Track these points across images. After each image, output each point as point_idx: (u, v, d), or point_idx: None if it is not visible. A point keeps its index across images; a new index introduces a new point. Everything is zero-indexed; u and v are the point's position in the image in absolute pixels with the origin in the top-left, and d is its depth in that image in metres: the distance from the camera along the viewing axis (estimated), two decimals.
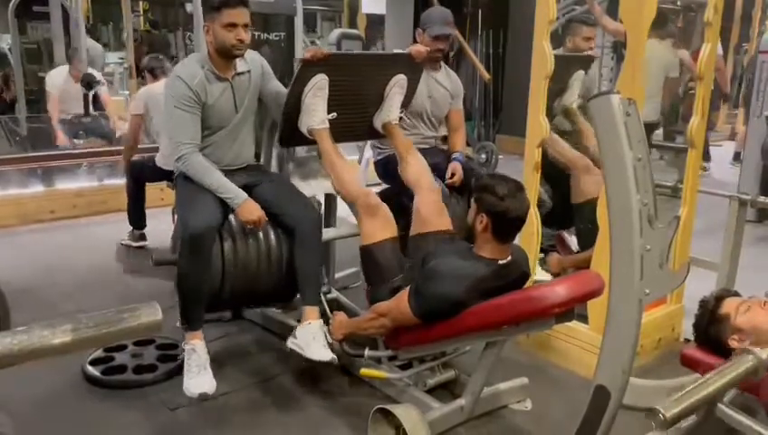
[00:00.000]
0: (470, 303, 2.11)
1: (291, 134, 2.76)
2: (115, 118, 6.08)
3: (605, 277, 1.69)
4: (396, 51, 3.21)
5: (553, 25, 2.83)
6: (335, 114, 2.71)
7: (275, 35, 4.67)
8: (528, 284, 2.37)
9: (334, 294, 3.24)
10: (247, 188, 2.59)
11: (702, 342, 1.99)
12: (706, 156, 6.47)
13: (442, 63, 3.29)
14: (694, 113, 2.84)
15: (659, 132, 6.21)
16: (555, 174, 3.38)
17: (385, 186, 3.22)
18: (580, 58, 3.61)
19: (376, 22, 8.26)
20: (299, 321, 2.78)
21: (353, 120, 2.88)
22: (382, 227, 2.54)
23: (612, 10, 4.47)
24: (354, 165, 4.38)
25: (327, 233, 2.90)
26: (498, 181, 2.17)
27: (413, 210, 2.63)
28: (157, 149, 4.24)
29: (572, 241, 3.62)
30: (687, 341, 2.75)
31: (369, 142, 3.69)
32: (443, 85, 3.27)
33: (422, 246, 2.51)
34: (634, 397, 1.89)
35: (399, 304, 2.27)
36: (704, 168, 6.07)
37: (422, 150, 3.10)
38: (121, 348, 2.82)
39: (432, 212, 2.59)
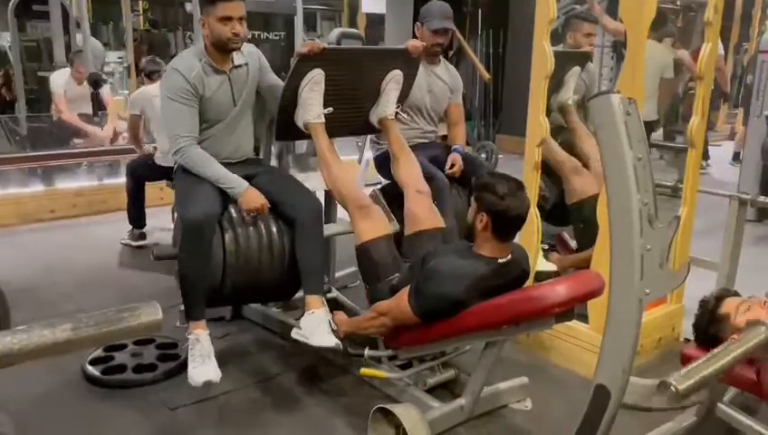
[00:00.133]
0: (470, 302, 2.11)
1: (287, 128, 2.76)
2: (114, 117, 6.09)
3: (605, 277, 1.69)
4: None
5: (553, 24, 2.83)
6: (331, 109, 2.70)
7: (275, 35, 4.67)
8: (529, 279, 2.37)
9: (334, 293, 3.24)
10: (246, 179, 2.59)
11: (702, 341, 1.99)
12: (705, 155, 6.47)
13: (441, 58, 3.29)
14: (694, 113, 2.84)
15: (659, 133, 6.21)
16: (553, 174, 3.39)
17: (385, 182, 3.22)
18: (576, 54, 3.60)
19: (376, 21, 8.25)
20: (299, 320, 2.78)
21: (349, 115, 2.88)
22: (375, 226, 2.54)
23: (612, 9, 4.48)
24: (353, 165, 4.37)
25: (328, 229, 2.89)
26: (498, 180, 2.16)
27: (405, 210, 2.64)
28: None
29: (572, 240, 3.62)
30: (687, 340, 2.75)
31: (368, 142, 3.69)
32: (442, 79, 3.27)
33: (416, 245, 2.52)
34: (634, 396, 1.89)
35: (399, 303, 2.27)
36: (701, 166, 6.07)
37: (421, 145, 3.10)
38: (121, 347, 2.82)
39: (422, 211, 2.61)
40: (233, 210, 2.58)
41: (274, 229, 2.61)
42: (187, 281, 2.47)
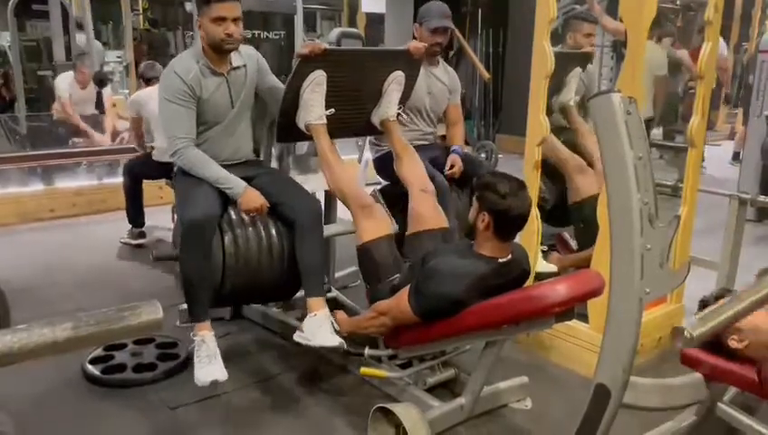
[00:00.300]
0: (470, 301, 2.11)
1: (288, 129, 2.76)
2: (114, 116, 6.12)
3: (605, 276, 1.69)
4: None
5: (554, 24, 2.83)
6: (333, 110, 2.70)
7: (275, 34, 4.68)
8: (529, 280, 2.37)
9: (334, 293, 3.24)
10: (246, 181, 2.58)
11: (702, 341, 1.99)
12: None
13: (439, 59, 3.29)
14: (694, 112, 2.84)
15: (658, 131, 6.21)
16: (556, 171, 3.38)
17: (384, 183, 3.22)
18: (578, 55, 3.60)
19: (376, 21, 8.25)
20: (299, 319, 2.78)
21: (351, 116, 2.88)
22: (377, 226, 2.54)
23: (612, 9, 4.48)
24: (353, 164, 4.37)
25: (328, 229, 2.89)
26: (500, 179, 2.16)
27: (409, 209, 2.63)
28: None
29: (573, 240, 3.63)
30: None
31: (368, 142, 3.69)
32: (441, 81, 3.26)
33: (418, 245, 2.52)
34: (634, 396, 1.89)
35: (400, 303, 2.26)
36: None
37: (421, 146, 3.10)
38: (121, 347, 2.82)
39: (426, 211, 2.60)
40: (232, 212, 2.58)
41: (273, 231, 2.61)
42: (189, 282, 2.47)
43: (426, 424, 2.16)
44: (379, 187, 3.10)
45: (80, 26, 6.93)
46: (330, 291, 3.20)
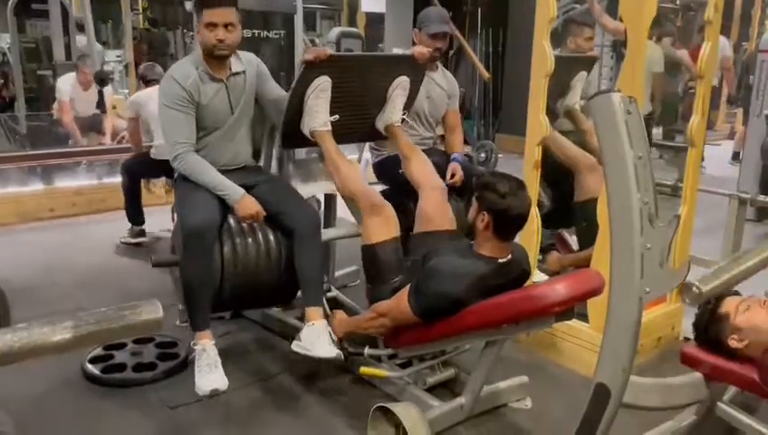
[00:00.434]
0: (470, 301, 2.11)
1: (293, 136, 2.75)
2: (114, 115, 6.12)
3: (605, 276, 1.69)
4: (397, 51, 3.20)
5: (553, 24, 2.83)
6: (337, 116, 2.70)
7: (275, 33, 4.68)
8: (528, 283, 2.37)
9: (334, 292, 3.24)
10: (246, 189, 2.59)
11: (702, 341, 1.99)
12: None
13: (438, 64, 3.29)
14: (694, 112, 2.84)
15: (659, 131, 6.21)
16: (554, 175, 3.37)
17: (383, 187, 3.22)
18: (583, 59, 3.60)
19: (375, 20, 8.24)
20: (299, 319, 2.79)
21: (355, 122, 2.87)
22: (386, 227, 2.53)
23: (612, 9, 4.48)
24: (355, 164, 4.38)
25: (327, 233, 2.90)
26: (499, 179, 2.16)
27: (417, 208, 2.63)
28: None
29: (572, 240, 3.62)
30: (687, 339, 2.75)
31: (367, 145, 3.69)
32: (440, 86, 3.26)
33: (424, 244, 2.50)
34: (634, 395, 1.89)
35: (399, 303, 2.26)
36: None
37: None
38: (121, 346, 2.82)
39: (436, 211, 2.59)
40: (231, 220, 2.59)
41: (272, 237, 2.62)
42: (190, 289, 2.47)
43: (425, 424, 2.16)
44: (378, 191, 3.10)
45: (80, 28, 6.93)
46: (330, 290, 3.20)
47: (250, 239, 2.59)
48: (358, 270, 3.67)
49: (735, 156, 7.21)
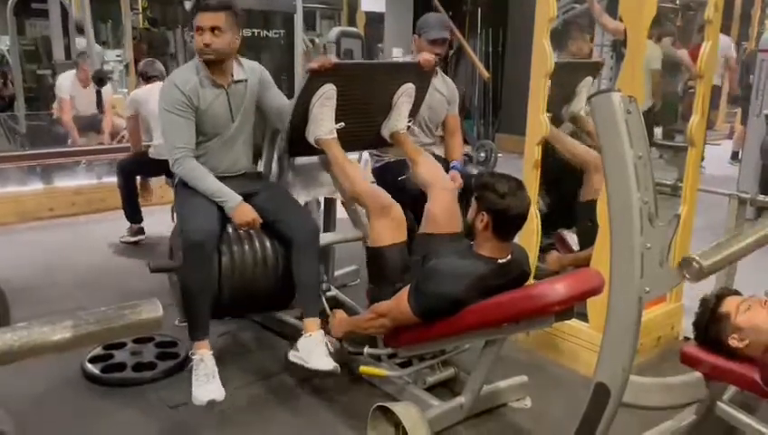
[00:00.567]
0: (470, 301, 2.11)
1: (299, 143, 2.74)
2: (113, 115, 6.12)
3: (605, 275, 1.69)
4: (400, 58, 3.20)
5: (553, 23, 2.83)
6: (343, 124, 2.69)
7: (275, 33, 4.68)
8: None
9: (333, 291, 3.24)
10: (245, 198, 2.58)
11: (702, 340, 1.99)
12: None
13: (438, 69, 3.28)
14: (694, 112, 2.84)
15: (659, 131, 6.21)
16: (553, 176, 3.36)
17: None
18: (588, 65, 3.60)
19: (375, 20, 8.24)
20: (298, 318, 2.78)
21: (361, 130, 2.87)
22: (393, 230, 2.51)
23: (612, 9, 4.48)
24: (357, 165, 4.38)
25: (326, 237, 2.90)
26: (499, 179, 2.16)
27: (425, 209, 2.61)
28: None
29: (572, 239, 3.62)
30: (687, 339, 2.75)
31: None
32: (440, 92, 3.26)
33: (425, 246, 2.49)
34: (634, 395, 1.89)
35: (399, 303, 2.26)
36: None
37: None
38: (121, 346, 2.82)
39: (444, 213, 2.56)
40: (229, 228, 2.60)
41: (269, 244, 2.63)
42: (190, 296, 2.47)
43: (425, 423, 2.16)
44: None
45: (80, 30, 6.92)
46: (329, 290, 3.20)
47: (247, 247, 2.60)
48: (357, 270, 3.67)
49: (734, 155, 7.21)
